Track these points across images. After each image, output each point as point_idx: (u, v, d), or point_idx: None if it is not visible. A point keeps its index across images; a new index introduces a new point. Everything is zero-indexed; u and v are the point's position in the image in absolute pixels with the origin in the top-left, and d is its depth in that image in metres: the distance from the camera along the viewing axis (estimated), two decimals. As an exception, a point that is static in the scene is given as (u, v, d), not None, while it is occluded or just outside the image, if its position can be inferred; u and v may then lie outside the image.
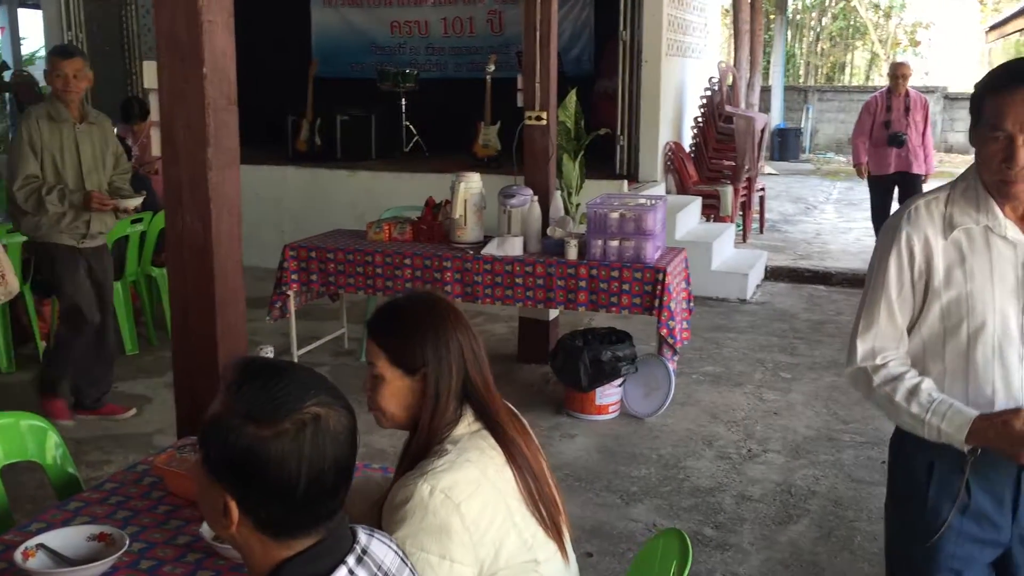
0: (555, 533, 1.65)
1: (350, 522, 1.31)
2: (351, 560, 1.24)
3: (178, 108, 2.42)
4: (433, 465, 1.58)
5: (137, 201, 4.45)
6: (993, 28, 17.13)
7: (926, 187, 7.28)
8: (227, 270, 2.60)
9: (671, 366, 4.68)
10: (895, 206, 7.20)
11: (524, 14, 5.30)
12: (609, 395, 4.69)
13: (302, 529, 1.22)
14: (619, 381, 4.65)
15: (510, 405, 1.80)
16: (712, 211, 8.58)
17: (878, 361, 1.86)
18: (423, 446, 1.64)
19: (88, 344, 4.54)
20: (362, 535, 1.30)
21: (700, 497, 3.85)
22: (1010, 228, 1.78)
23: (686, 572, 1.67)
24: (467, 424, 1.66)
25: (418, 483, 1.55)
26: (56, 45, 5.12)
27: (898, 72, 7.99)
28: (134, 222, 5.62)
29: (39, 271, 4.69)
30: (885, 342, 1.87)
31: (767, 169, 15.58)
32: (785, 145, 17.33)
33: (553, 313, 5.61)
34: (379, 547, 1.31)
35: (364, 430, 1.31)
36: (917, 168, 7.90)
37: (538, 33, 5.24)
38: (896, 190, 7.98)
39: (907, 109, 7.87)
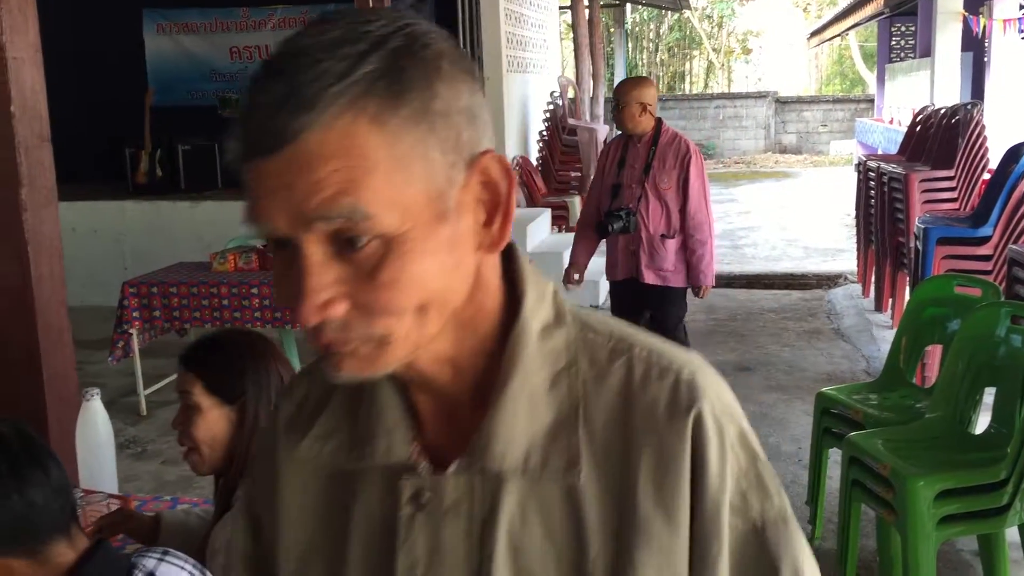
0: None
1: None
2: None
3: (-15, 149, 2.33)
4: None
5: None
6: (813, 34, 18.27)
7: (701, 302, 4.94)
8: (50, 314, 2.51)
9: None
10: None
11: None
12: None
13: (47, 531, 1.26)
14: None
15: None
16: (562, 221, 8.78)
17: None
18: (238, 480, 1.62)
19: None
20: (148, 560, 1.33)
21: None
22: None
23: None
24: None
25: None
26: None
27: (622, 96, 4.05)
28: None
29: None
30: None
31: (616, 177, 16.08)
32: (632, 153, 17.90)
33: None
34: (169, 569, 1.33)
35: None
36: (651, 276, 4.07)
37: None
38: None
39: (648, 166, 4.04)
